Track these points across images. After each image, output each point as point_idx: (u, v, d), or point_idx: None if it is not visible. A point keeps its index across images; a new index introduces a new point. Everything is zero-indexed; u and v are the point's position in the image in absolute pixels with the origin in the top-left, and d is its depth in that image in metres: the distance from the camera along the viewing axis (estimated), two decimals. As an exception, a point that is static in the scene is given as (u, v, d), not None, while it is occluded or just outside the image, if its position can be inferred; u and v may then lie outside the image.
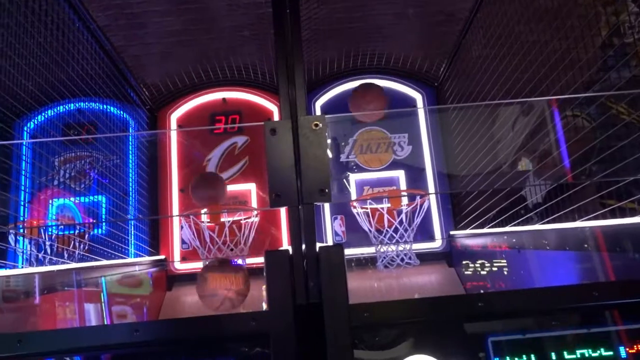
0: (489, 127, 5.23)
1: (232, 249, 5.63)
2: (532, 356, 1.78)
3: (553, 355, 1.78)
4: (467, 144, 5.56)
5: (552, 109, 4.48)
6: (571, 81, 3.73)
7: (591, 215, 3.55)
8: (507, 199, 4.84)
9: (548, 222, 4.16)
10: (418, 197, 5.80)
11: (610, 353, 1.78)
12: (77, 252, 5.08)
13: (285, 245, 6.29)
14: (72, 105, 5.63)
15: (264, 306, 5.29)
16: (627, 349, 1.78)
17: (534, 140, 4.65)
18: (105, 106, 5.86)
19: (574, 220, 3.73)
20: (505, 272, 4.50)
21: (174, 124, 6.67)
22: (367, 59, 6.46)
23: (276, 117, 6.53)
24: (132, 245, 5.98)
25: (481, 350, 1.80)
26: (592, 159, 3.65)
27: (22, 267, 4.87)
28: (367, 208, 5.79)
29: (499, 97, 4.72)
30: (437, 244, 6.31)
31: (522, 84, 4.32)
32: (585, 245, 3.07)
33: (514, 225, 4.66)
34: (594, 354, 1.78)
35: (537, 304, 1.84)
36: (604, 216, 3.46)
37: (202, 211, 6.05)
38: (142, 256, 6.04)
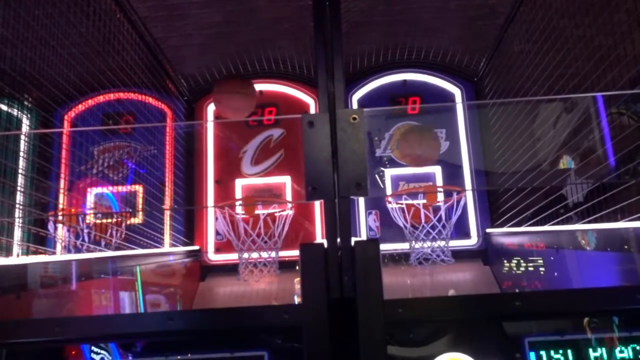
0: (529, 124, 5.14)
1: (266, 242, 5.65)
2: (570, 359, 1.75)
3: (592, 359, 1.74)
4: (506, 141, 5.47)
5: (596, 106, 4.38)
6: (617, 78, 3.63)
7: (635, 216, 3.46)
8: (545, 197, 4.76)
9: (589, 222, 4.07)
10: (455, 194, 5.74)
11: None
12: (113, 240, 5.16)
13: (319, 238, 6.29)
14: (111, 95, 5.72)
15: (296, 299, 5.29)
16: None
17: (576, 138, 4.56)
18: (143, 97, 5.92)
19: (616, 220, 3.64)
20: (542, 272, 4.42)
21: (210, 116, 6.71)
22: (405, 53, 6.41)
23: (312, 110, 6.52)
24: (168, 236, 6.05)
25: (517, 351, 1.77)
26: (637, 158, 3.56)
27: (61, 254, 4.97)
28: (402, 203, 5.75)
29: (541, 94, 4.63)
30: (472, 241, 6.24)
31: (565, 81, 4.23)
32: (626, 247, 2.99)
33: (553, 224, 4.58)
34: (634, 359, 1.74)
35: (576, 305, 1.78)
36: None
37: (237, 203, 6.08)
38: (177, 246, 6.11)
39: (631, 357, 1.72)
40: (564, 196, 4.74)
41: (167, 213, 6.12)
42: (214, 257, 6.34)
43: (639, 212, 3.46)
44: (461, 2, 5.19)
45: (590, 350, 1.74)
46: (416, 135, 5.26)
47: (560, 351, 1.74)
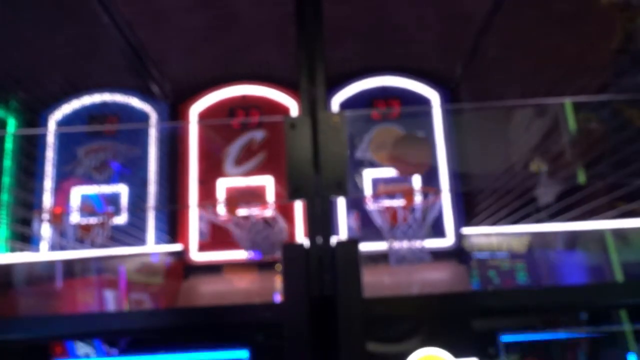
0: (503, 128, 5.24)
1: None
2: (541, 353, 1.82)
3: (561, 354, 1.82)
4: (482, 144, 5.57)
5: (565, 111, 4.49)
6: (586, 85, 3.73)
7: (601, 216, 3.57)
8: (518, 198, 4.86)
9: (559, 223, 4.18)
10: (431, 195, 5.83)
11: (620, 351, 1.81)
12: (98, 239, 5.18)
13: (299, 239, 6.33)
14: (96, 97, 5.74)
15: (275, 298, 5.30)
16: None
17: (547, 142, 4.66)
18: (128, 99, 5.94)
19: (584, 221, 3.75)
20: (515, 270, 4.53)
21: (194, 118, 6.73)
22: (385, 58, 6.48)
23: (294, 113, 6.57)
24: (152, 235, 6.07)
25: (490, 346, 1.83)
26: (603, 162, 3.67)
27: (45, 253, 4.98)
28: (381, 204, 5.83)
29: (514, 99, 4.73)
30: (448, 241, 6.33)
31: (537, 87, 4.33)
32: (593, 246, 3.10)
33: (525, 224, 4.68)
34: (603, 353, 1.81)
35: (547, 302, 1.85)
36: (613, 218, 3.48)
37: (219, 203, 6.11)
38: (161, 245, 6.12)
39: (596, 351, 1.81)
40: (535, 197, 4.85)
41: (151, 213, 6.13)
42: (197, 256, 6.36)
43: (606, 213, 3.58)
44: (439, 10, 5.28)
45: (560, 345, 1.83)
46: (407, 142, 5.25)
47: (532, 346, 1.82)
